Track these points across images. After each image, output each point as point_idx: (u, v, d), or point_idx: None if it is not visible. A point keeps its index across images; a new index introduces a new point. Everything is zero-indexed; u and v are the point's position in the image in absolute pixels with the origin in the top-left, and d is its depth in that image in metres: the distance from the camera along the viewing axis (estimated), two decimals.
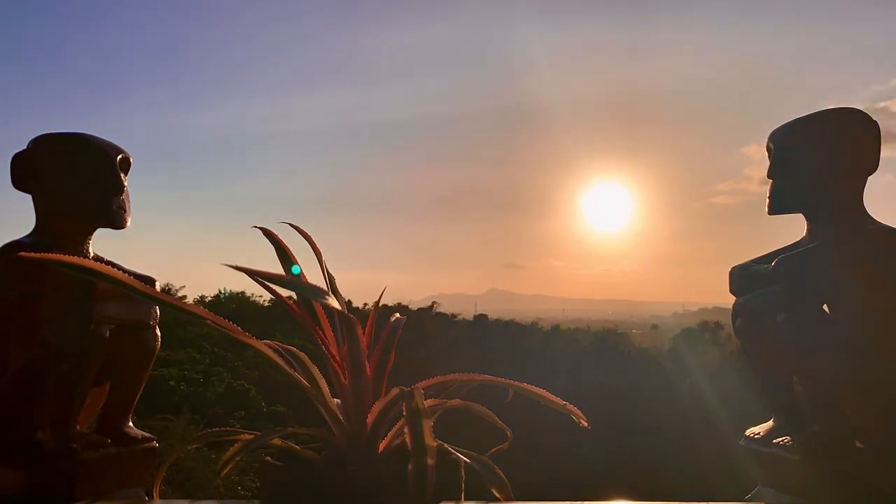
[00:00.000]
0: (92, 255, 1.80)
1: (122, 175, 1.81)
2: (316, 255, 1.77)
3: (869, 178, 1.71)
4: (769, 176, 1.76)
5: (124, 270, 1.73)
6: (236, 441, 1.52)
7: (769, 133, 1.81)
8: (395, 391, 1.52)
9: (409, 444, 1.40)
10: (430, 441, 1.40)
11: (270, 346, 1.65)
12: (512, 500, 1.56)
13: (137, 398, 1.82)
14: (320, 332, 1.64)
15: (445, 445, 1.57)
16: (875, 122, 1.68)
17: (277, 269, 1.74)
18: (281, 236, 1.77)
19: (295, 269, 1.72)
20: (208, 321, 1.52)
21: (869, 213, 1.70)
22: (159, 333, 1.84)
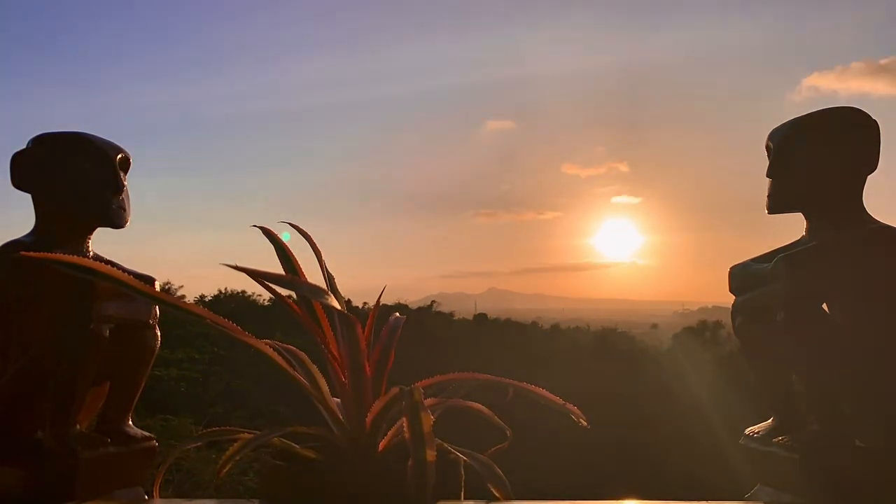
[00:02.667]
0: (92, 254, 1.80)
1: (122, 174, 1.81)
2: (316, 254, 1.78)
3: (868, 176, 1.71)
4: (768, 175, 1.76)
5: (124, 270, 1.74)
6: (236, 440, 1.52)
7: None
8: (394, 390, 1.52)
9: (408, 442, 1.41)
10: (430, 440, 1.40)
11: (270, 346, 1.65)
12: (511, 499, 1.56)
13: (137, 397, 1.83)
14: (320, 332, 1.64)
15: (445, 444, 1.57)
16: (874, 120, 1.68)
17: (277, 268, 1.75)
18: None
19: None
20: (208, 321, 1.52)
21: (868, 212, 1.70)
22: (159, 333, 1.84)
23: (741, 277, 1.80)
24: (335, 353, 1.63)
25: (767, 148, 1.79)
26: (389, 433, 1.61)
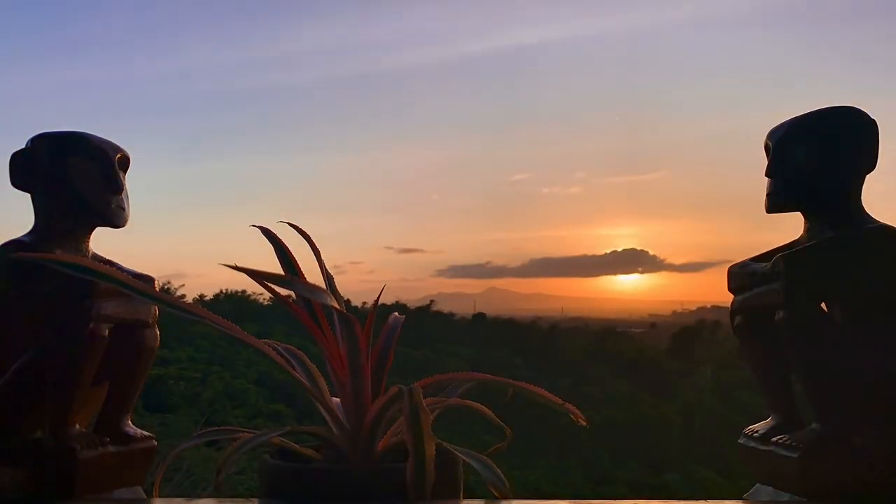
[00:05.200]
0: (91, 254, 1.80)
1: (121, 173, 1.81)
2: (315, 254, 1.78)
3: (867, 176, 1.71)
4: (767, 174, 1.76)
5: (123, 270, 1.74)
6: (235, 439, 1.52)
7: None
8: (393, 389, 1.52)
9: (407, 442, 1.41)
10: (429, 439, 1.41)
11: (270, 346, 1.66)
12: (510, 498, 1.56)
13: (137, 397, 1.82)
14: (319, 332, 1.65)
15: (444, 444, 1.58)
16: (873, 120, 1.69)
17: (276, 267, 1.75)
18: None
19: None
20: (208, 321, 1.52)
21: (867, 211, 1.70)
22: (158, 332, 1.84)
23: (740, 277, 1.80)
24: (334, 352, 1.63)
25: (766, 147, 1.79)
26: (389, 432, 1.61)
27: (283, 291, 1.68)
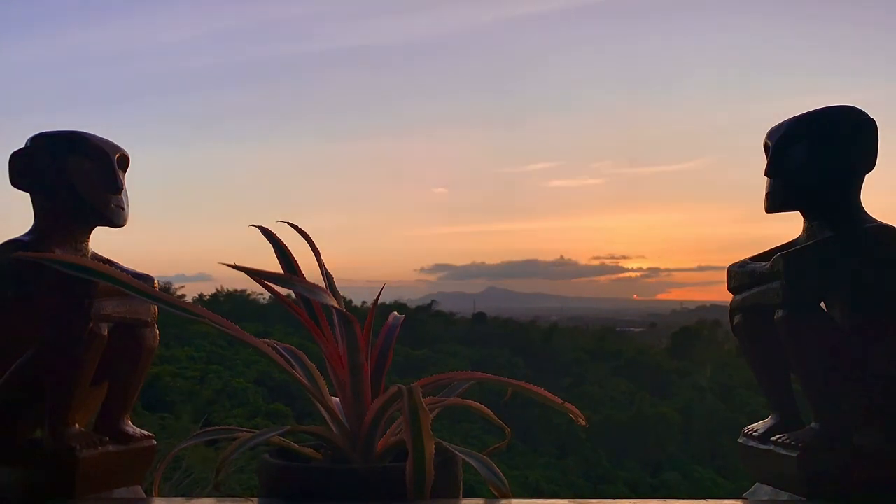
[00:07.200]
0: (90, 253, 1.80)
1: (121, 173, 1.81)
2: (315, 253, 1.78)
3: (867, 175, 1.71)
4: (766, 174, 1.76)
5: (123, 269, 1.73)
6: (234, 439, 1.52)
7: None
8: (393, 389, 1.52)
9: (407, 441, 1.41)
10: (429, 439, 1.41)
11: (269, 345, 1.66)
12: (510, 498, 1.57)
13: (136, 396, 1.83)
14: (319, 331, 1.65)
15: (443, 443, 1.58)
16: (872, 119, 1.69)
17: (276, 266, 1.75)
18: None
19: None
20: (208, 320, 1.52)
21: (867, 210, 1.70)
22: (158, 332, 1.84)
23: (739, 276, 1.80)
24: (334, 352, 1.63)
25: (766, 147, 1.79)
26: (388, 432, 1.62)
27: (282, 291, 1.69)
